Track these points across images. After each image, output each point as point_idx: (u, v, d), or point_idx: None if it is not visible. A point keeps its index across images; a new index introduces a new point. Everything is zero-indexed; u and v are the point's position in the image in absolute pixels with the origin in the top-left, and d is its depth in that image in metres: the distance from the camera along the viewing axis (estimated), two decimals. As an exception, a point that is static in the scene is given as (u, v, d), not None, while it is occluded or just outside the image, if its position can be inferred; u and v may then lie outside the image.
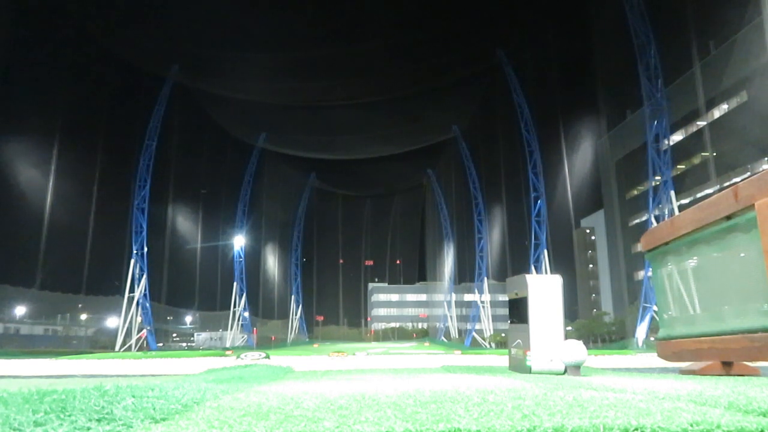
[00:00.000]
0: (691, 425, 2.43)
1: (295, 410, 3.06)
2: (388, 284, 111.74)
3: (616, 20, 42.28)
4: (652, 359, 18.61)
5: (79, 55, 48.82)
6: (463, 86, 61.43)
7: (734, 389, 4.34)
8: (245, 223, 72.33)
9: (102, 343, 59.54)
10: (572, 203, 56.52)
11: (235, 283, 69.08)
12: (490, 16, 53.06)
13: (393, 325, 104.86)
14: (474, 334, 68.01)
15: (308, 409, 3.10)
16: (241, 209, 71.79)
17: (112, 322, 59.67)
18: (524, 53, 55.12)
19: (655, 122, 41.85)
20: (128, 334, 53.48)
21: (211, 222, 70.82)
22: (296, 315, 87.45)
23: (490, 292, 67.83)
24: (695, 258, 8.14)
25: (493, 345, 62.41)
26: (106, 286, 58.45)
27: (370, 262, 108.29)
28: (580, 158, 56.41)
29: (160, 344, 62.20)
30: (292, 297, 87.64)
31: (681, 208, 39.69)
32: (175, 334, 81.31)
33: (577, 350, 7.51)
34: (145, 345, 54.60)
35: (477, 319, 68.48)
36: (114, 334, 55.34)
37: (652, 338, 40.25)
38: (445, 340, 76.99)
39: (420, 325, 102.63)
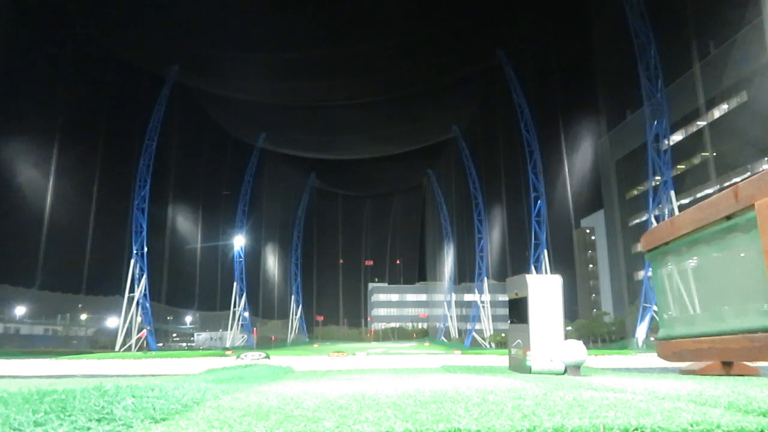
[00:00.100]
0: (691, 425, 2.43)
1: (295, 410, 3.06)
2: (388, 284, 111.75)
3: (616, 20, 42.29)
4: (652, 359, 18.61)
5: (79, 55, 48.84)
6: (463, 86, 61.43)
7: (734, 389, 4.34)
8: (245, 223, 72.35)
9: (102, 343, 59.55)
10: (572, 203, 56.59)
11: (235, 283, 69.09)
12: (490, 16, 53.09)
13: (393, 325, 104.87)
14: (474, 334, 68.01)
15: (308, 409, 3.10)
16: (241, 209, 71.80)
17: (112, 322, 59.69)
18: (524, 53, 55.14)
19: (655, 122, 41.85)
20: (128, 334, 53.49)
21: (211, 222, 70.89)
22: (296, 315, 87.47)
23: (490, 292, 67.83)
24: (695, 258, 8.14)
25: (493, 345, 62.41)
26: (106, 286, 58.52)
27: (370, 262, 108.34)
28: (580, 158, 56.43)
29: (160, 344, 62.21)
30: (292, 297, 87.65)
31: (681, 208, 39.69)
32: (175, 334, 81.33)
33: (577, 350, 7.52)
34: (145, 345, 54.59)
35: (477, 319, 68.48)
36: (114, 334, 55.35)
37: (652, 338, 40.25)
38: (445, 340, 76.99)
39: (420, 325, 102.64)
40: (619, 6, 41.75)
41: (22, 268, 50.48)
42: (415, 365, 13.27)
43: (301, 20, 53.08)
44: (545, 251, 53.98)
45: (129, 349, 52.40)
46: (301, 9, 52.25)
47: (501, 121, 61.19)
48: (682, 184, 47.90)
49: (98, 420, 2.60)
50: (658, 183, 42.76)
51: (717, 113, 47.75)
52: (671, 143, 44.25)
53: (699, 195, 46.68)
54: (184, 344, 78.34)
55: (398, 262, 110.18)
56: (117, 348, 52.12)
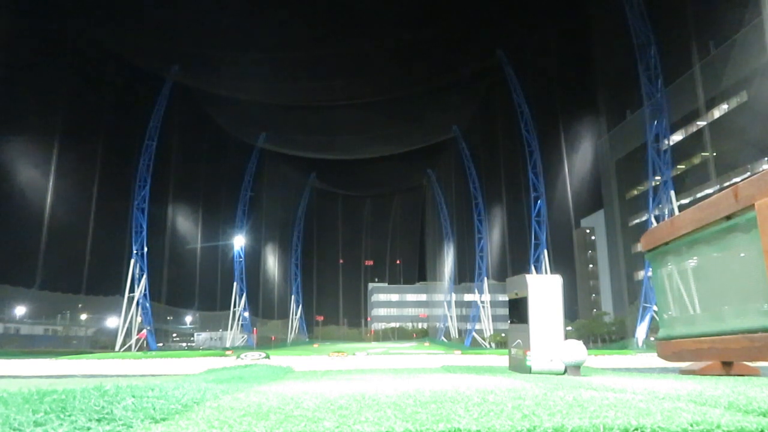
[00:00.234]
0: (691, 425, 2.43)
1: (295, 410, 3.06)
2: (388, 284, 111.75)
3: (616, 20, 42.28)
4: (652, 359, 18.61)
5: (79, 55, 48.84)
6: (463, 86, 61.46)
7: (734, 389, 4.34)
8: (245, 223, 72.35)
9: (102, 343, 59.55)
10: (572, 203, 56.58)
11: (235, 283, 69.08)
12: (490, 16, 53.07)
13: (393, 325, 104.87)
14: (474, 334, 68.01)
15: (308, 409, 3.09)
16: (241, 209, 71.80)
17: (112, 322, 59.69)
18: (524, 53, 55.14)
19: (655, 122, 41.85)
20: (128, 334, 53.49)
21: (211, 222, 70.88)
22: (296, 315, 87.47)
23: (490, 292, 67.83)
24: (695, 258, 8.14)
25: (493, 345, 62.41)
26: (106, 286, 58.51)
27: (370, 262, 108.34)
28: (580, 158, 56.44)
29: (160, 344, 62.21)
30: (292, 297, 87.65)
31: (681, 208, 39.69)
32: (175, 334, 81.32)
33: (577, 350, 7.51)
34: (145, 345, 54.59)
35: (477, 319, 68.48)
36: (114, 334, 55.35)
37: (652, 338, 40.24)
38: (445, 340, 76.99)
39: (420, 325, 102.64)
40: (619, 6, 41.74)
41: (22, 268, 50.51)
42: (415, 365, 13.27)
43: (301, 20, 53.14)
44: (545, 251, 53.97)
45: (129, 349, 52.39)
46: (301, 9, 52.27)
47: (501, 121, 61.20)
48: (682, 184, 47.90)
49: (98, 420, 2.60)
50: (658, 183, 42.76)
51: (717, 113, 47.76)
52: (671, 143, 44.25)
53: (699, 195, 46.69)
54: (184, 344, 78.33)
55: (398, 262, 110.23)
56: (117, 348, 52.12)
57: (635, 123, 52.30)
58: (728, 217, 7.09)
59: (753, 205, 6.48)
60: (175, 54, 53.71)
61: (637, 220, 59.31)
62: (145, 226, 54.69)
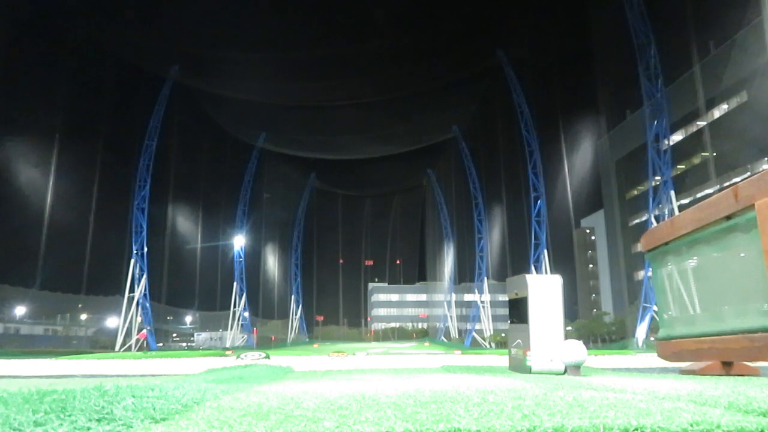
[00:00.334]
0: (691, 425, 2.43)
1: (295, 410, 3.06)
2: (388, 284, 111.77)
3: (616, 20, 42.27)
4: (652, 359, 18.60)
5: (79, 55, 48.82)
6: (463, 86, 61.42)
7: (734, 389, 4.34)
8: (245, 223, 72.35)
9: (102, 343, 59.52)
10: (572, 203, 56.55)
11: (235, 283, 69.08)
12: (490, 16, 53.04)
13: (393, 325, 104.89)
14: (474, 334, 68.02)
15: (308, 409, 3.10)
16: (241, 209, 71.80)
17: (112, 322, 59.67)
18: (524, 53, 55.12)
19: (655, 122, 41.84)
20: (128, 334, 53.49)
21: (211, 222, 70.86)
22: (296, 315, 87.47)
23: (490, 292, 67.83)
24: (695, 258, 8.14)
25: (493, 345, 62.41)
26: (106, 286, 58.48)
27: (370, 262, 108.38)
28: (580, 158, 56.41)
29: (160, 344, 62.20)
30: (292, 297, 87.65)
31: (681, 208, 39.69)
32: (175, 334, 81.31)
33: (577, 350, 7.51)
34: (145, 345, 54.59)
35: (477, 319, 68.48)
36: (114, 334, 55.34)
37: (652, 338, 40.24)
38: (445, 340, 77.00)
39: (420, 325, 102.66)
40: (619, 6, 41.74)
41: (22, 268, 50.43)
42: (415, 365, 13.27)
43: (301, 20, 53.10)
44: (545, 251, 53.97)
45: (129, 349, 52.39)
46: (301, 9, 52.25)
47: (501, 121, 61.19)
48: (682, 184, 47.89)
49: (98, 420, 2.60)
50: (658, 183, 42.75)
51: (717, 113, 47.75)
52: (671, 143, 44.24)
53: (699, 195, 46.68)
54: (184, 344, 78.32)
55: (398, 262, 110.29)
56: (117, 348, 52.12)
57: (635, 123, 52.29)
58: (728, 217, 7.09)
59: (753, 205, 6.48)
60: (175, 54, 53.72)
61: (637, 220, 59.30)
62: (145, 226, 54.69)
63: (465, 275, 75.63)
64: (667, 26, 42.74)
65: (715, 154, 48.13)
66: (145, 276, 54.73)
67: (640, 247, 14.34)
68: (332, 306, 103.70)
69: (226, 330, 69.08)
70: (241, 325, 69.77)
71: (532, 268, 53.45)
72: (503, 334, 60.23)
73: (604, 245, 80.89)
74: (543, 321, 8.26)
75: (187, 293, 69.67)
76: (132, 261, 53.96)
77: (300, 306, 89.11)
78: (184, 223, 66.61)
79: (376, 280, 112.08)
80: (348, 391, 4.37)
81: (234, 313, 68.19)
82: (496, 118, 62.17)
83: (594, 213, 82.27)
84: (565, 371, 7.82)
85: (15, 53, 44.00)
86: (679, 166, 50.35)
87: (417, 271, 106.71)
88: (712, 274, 7.79)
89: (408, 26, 53.55)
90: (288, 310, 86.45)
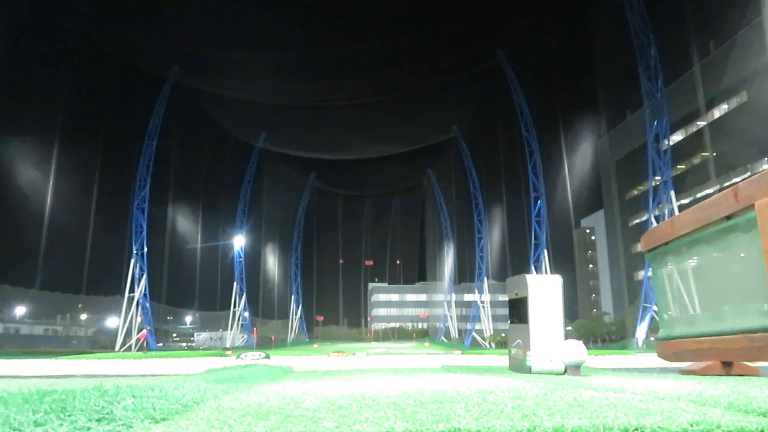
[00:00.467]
0: (691, 425, 2.43)
1: (295, 410, 3.06)
2: (388, 284, 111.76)
3: (616, 20, 42.28)
4: (652, 359, 18.60)
5: (79, 55, 48.83)
6: (463, 86, 61.42)
7: (734, 389, 4.34)
8: (245, 223, 72.35)
9: (102, 343, 59.52)
10: (572, 203, 56.57)
11: (235, 283, 69.08)
12: (490, 16, 53.06)
13: (393, 325, 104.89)
14: (474, 334, 68.02)
15: (308, 409, 3.10)
16: (241, 209, 71.80)
17: (112, 322, 59.68)
18: (524, 53, 55.13)
19: (655, 122, 41.84)
20: (128, 334, 53.49)
21: (211, 222, 70.87)
22: (296, 315, 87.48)
23: (490, 292, 67.83)
24: (695, 258, 8.14)
25: (493, 345, 62.41)
26: (106, 286, 58.50)
27: (370, 262, 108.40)
28: (580, 158, 56.42)
29: (160, 344, 62.20)
30: (292, 297, 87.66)
31: (681, 208, 39.70)
32: (175, 334, 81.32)
33: (577, 350, 7.51)
34: (145, 345, 54.59)
35: (477, 319, 68.48)
36: (114, 334, 55.35)
37: (652, 338, 40.24)
38: (445, 340, 77.00)
39: (420, 325, 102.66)
40: (619, 6, 41.75)
41: (22, 268, 50.47)
42: (415, 365, 13.26)
43: (301, 20, 53.12)
44: (545, 251, 53.98)
45: (129, 349, 52.39)
46: (302, 9, 52.26)
47: (501, 121, 61.21)
48: (682, 184, 47.91)
49: (98, 420, 2.60)
50: (658, 183, 42.76)
51: (717, 113, 47.75)
52: (671, 143, 44.25)
53: (699, 195, 46.68)
54: (184, 344, 78.33)
55: (398, 262, 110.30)
56: (117, 348, 52.12)
57: (635, 123, 52.30)
58: (728, 217, 7.09)
59: (753, 205, 6.48)
60: (175, 54, 53.72)
61: (637, 220, 59.31)
62: (145, 226, 54.69)
63: (465, 275, 75.67)
64: (667, 26, 42.75)
65: (715, 154, 48.13)
66: (145, 276, 54.73)
67: (640, 247, 14.34)
68: (332, 306, 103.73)
69: (226, 330, 69.08)
70: (241, 325, 69.77)
71: (532, 268, 53.45)
72: (503, 334, 60.24)
73: (604, 245, 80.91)
74: (543, 321, 8.26)
75: (187, 293, 69.72)
76: (132, 261, 53.97)
77: (300, 306, 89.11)
78: (184, 223, 66.62)
79: (376, 280, 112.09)
80: (348, 391, 4.37)
81: (234, 313, 68.19)
82: (496, 118, 62.19)
83: (594, 213, 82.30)
84: (565, 371, 7.82)
85: (15, 53, 44.01)
86: (679, 166, 50.37)
87: (417, 271, 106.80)
88: (712, 274, 7.79)
89: (408, 26, 53.57)
90: (288, 310, 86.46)
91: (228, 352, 38.49)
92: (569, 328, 61.11)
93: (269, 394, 4.22)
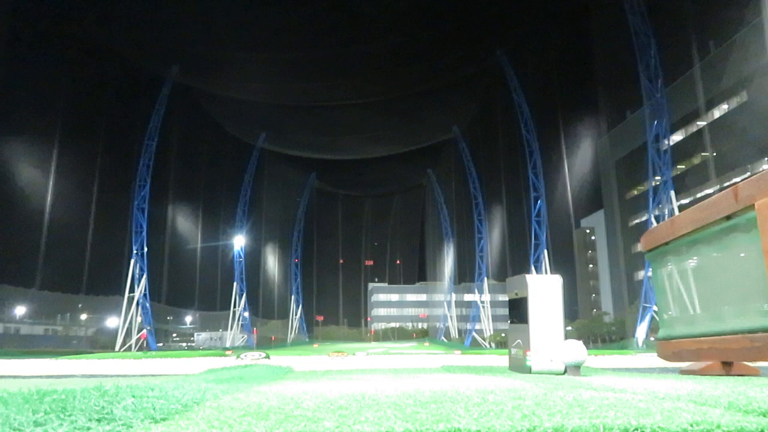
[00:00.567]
0: (691, 425, 2.43)
1: (295, 410, 3.06)
2: (388, 284, 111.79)
3: (616, 20, 42.27)
4: (652, 359, 18.60)
5: (79, 54, 48.81)
6: (463, 86, 61.43)
7: (734, 389, 4.34)
8: (245, 223, 72.36)
9: (102, 343, 59.51)
10: (572, 203, 56.55)
11: (235, 283, 69.08)
12: (490, 16, 53.04)
13: (393, 325, 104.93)
14: (474, 334, 68.02)
15: (308, 409, 3.09)
16: (241, 209, 71.80)
17: (112, 322, 59.67)
18: (524, 53, 55.12)
19: (655, 122, 41.84)
20: (128, 334, 53.50)
21: (211, 222, 70.87)
22: (296, 315, 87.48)
23: (490, 292, 67.84)
24: (695, 258, 8.14)
25: (493, 345, 62.42)
26: (106, 286, 58.45)
27: (370, 262, 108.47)
28: (580, 158, 56.42)
29: (160, 344, 62.20)
30: (292, 297, 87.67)
31: (681, 208, 39.68)
32: (175, 334, 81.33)
33: (577, 350, 7.51)
34: (145, 345, 54.59)
35: (477, 319, 68.48)
36: (114, 334, 55.35)
37: (652, 338, 40.23)
38: (445, 340, 77.01)
39: (420, 325, 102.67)
40: (619, 6, 41.73)
41: (22, 268, 50.41)
42: (415, 365, 13.26)
43: (301, 20, 53.08)
44: (545, 251, 53.98)
45: (129, 349, 52.40)
46: (302, 9, 52.24)
47: (501, 121, 61.21)
48: (682, 184, 47.86)
49: (98, 420, 2.60)
50: (658, 183, 42.75)
51: (717, 113, 47.73)
52: (671, 143, 44.24)
53: (699, 195, 46.67)
54: (184, 344, 78.33)
55: (398, 262, 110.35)
56: (117, 348, 52.13)
57: (635, 123, 52.27)
58: (728, 217, 7.09)
59: (753, 205, 6.48)
60: (175, 54, 53.71)
61: (637, 220, 59.28)
62: (145, 226, 54.70)
63: (465, 275, 75.66)
64: (667, 26, 42.73)
65: (715, 154, 48.11)
66: (145, 276, 54.74)
67: (640, 247, 14.34)
68: (332, 306, 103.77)
69: (226, 330, 69.09)
70: (241, 325, 69.78)
71: (532, 268, 53.46)
72: (503, 334, 60.24)
73: (604, 245, 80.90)
74: (543, 321, 8.26)
75: (187, 293, 69.70)
76: (132, 261, 53.98)
77: (300, 306, 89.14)
78: (184, 223, 66.63)
79: (376, 280, 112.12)
80: (348, 391, 4.37)
81: (234, 313, 68.20)
82: (496, 118, 62.19)
83: (594, 213, 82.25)
84: (565, 371, 7.82)
85: (15, 53, 43.98)
86: (679, 166, 50.32)
87: (417, 271, 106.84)
88: (712, 274, 7.79)
89: (408, 26, 53.52)
90: (288, 310, 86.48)
91: (228, 352, 38.50)
92: (569, 328, 61.11)
93: (269, 394, 4.22)
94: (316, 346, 68.60)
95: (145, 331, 54.92)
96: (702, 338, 7.88)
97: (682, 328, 8.55)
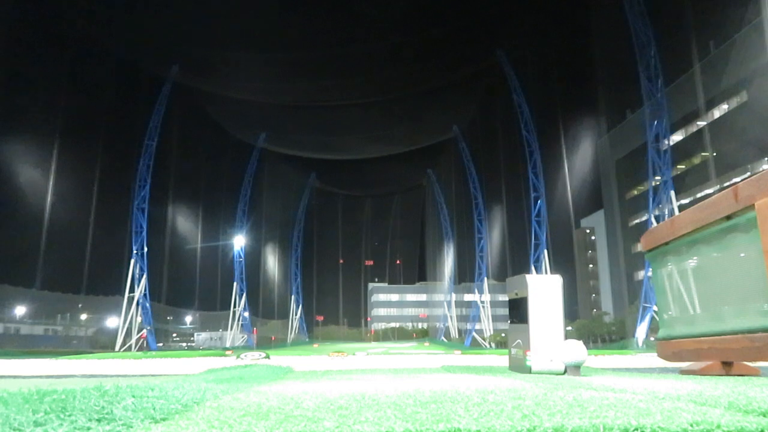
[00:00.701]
0: (691, 425, 2.43)
1: (295, 410, 3.06)
2: (388, 284, 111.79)
3: (616, 20, 42.27)
4: (652, 359, 18.59)
5: (79, 55, 48.83)
6: (463, 86, 61.41)
7: (734, 389, 4.34)
8: (245, 223, 72.37)
9: (102, 343, 59.52)
10: (572, 203, 56.56)
11: (235, 283, 69.09)
12: (490, 16, 53.03)
13: (393, 325, 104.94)
14: (474, 334, 68.02)
15: (308, 409, 3.09)
16: (241, 209, 71.81)
17: (112, 322, 59.67)
18: (524, 53, 55.11)
19: (655, 122, 41.84)
20: (128, 334, 53.50)
21: (211, 222, 70.89)
22: (296, 315, 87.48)
23: (490, 292, 67.84)
24: (695, 258, 8.14)
25: (493, 345, 62.42)
26: (106, 286, 58.48)
27: (370, 262, 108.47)
28: (580, 158, 56.42)
29: (160, 344, 62.20)
30: (292, 297, 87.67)
31: (681, 208, 39.68)
32: (175, 334, 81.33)
33: (577, 350, 7.51)
34: (145, 345, 54.60)
35: (477, 319, 68.48)
36: (114, 334, 55.36)
37: (652, 338, 40.23)
38: (445, 340, 77.01)
39: (420, 325, 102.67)
40: (619, 6, 41.73)
41: (22, 268, 50.43)
42: (415, 365, 13.26)
43: (301, 20, 53.08)
44: (545, 251, 53.97)
45: (129, 349, 52.40)
46: (301, 9, 52.25)
47: (501, 121, 61.20)
48: (682, 184, 47.87)
49: (98, 420, 2.60)
50: (658, 183, 42.75)
51: (717, 113, 47.73)
52: (671, 143, 44.23)
53: (699, 195, 46.66)
54: (184, 344, 78.34)
55: (398, 262, 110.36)
56: (117, 348, 52.13)
57: (635, 123, 52.27)
58: (728, 217, 7.09)
59: (753, 205, 6.48)
60: (175, 54, 53.71)
61: (637, 220, 59.29)
62: (145, 226, 54.69)
63: (465, 275, 75.68)
64: (667, 26, 42.72)
65: (715, 154, 48.11)
66: (145, 276, 54.74)
67: (640, 247, 14.35)
68: (332, 306, 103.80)
69: (226, 330, 69.10)
70: (241, 325, 69.78)
71: (532, 268, 53.45)
72: (503, 334, 60.24)
73: (604, 245, 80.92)
74: (543, 321, 8.26)
75: (187, 293, 69.74)
76: (132, 261, 53.98)
77: (300, 306, 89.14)
78: (184, 223, 66.64)
79: (376, 280, 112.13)
80: (348, 391, 4.37)
81: (234, 313, 68.20)
82: (496, 118, 62.19)
83: (594, 213, 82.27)
84: (565, 371, 7.82)
85: (15, 53, 43.98)
86: (679, 166, 50.32)
87: (417, 271, 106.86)
88: (712, 274, 7.79)
89: (408, 26, 53.52)
90: (288, 310, 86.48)
91: (228, 352, 38.48)
92: (569, 328, 61.11)
93: (269, 394, 4.22)
94: (316, 346, 68.60)
95: (145, 331, 54.93)
96: (702, 338, 7.88)
97: (682, 328, 8.55)
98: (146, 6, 48.96)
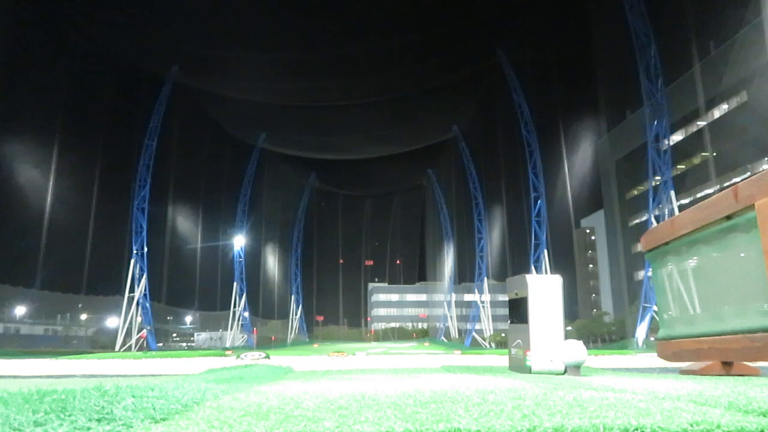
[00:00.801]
0: (691, 425, 2.43)
1: (295, 410, 3.06)
2: (388, 284, 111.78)
3: (616, 20, 42.27)
4: (652, 359, 18.59)
5: (79, 55, 48.82)
6: (463, 86, 61.40)
7: (734, 389, 4.34)
8: (245, 223, 72.37)
9: (102, 343, 59.52)
10: (572, 203, 56.53)
11: (235, 283, 69.09)
12: (490, 16, 53.02)
13: (393, 325, 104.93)
14: (474, 334, 68.02)
15: (308, 409, 3.09)
16: (241, 209, 71.81)
17: (112, 322, 59.68)
18: (524, 53, 55.11)
19: (655, 122, 41.83)
20: (128, 334, 53.50)
21: (211, 222, 70.88)
22: (296, 315, 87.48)
23: (490, 292, 67.83)
24: (695, 258, 8.14)
25: (493, 345, 62.42)
26: (106, 286, 58.48)
27: (370, 262, 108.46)
28: (580, 158, 56.41)
29: (160, 344, 62.21)
30: (292, 297, 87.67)
31: (681, 208, 39.67)
32: (175, 334, 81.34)
33: (577, 350, 7.51)
34: (145, 345, 54.60)
35: (477, 319, 68.47)
36: (114, 334, 55.36)
37: (652, 338, 40.23)
38: (445, 340, 77.01)
39: (420, 325, 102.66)
40: (619, 6, 41.73)
41: (22, 268, 50.42)
42: (415, 365, 13.26)
43: (301, 20, 53.08)
44: (545, 251, 53.96)
45: (129, 349, 52.40)
46: (301, 9, 52.25)
47: (501, 121, 61.19)
48: (682, 184, 47.86)
49: (98, 420, 2.60)
50: (658, 183, 42.74)
51: (717, 113, 47.73)
52: (671, 143, 44.23)
53: (699, 195, 46.66)
54: (184, 344, 78.35)
55: (398, 262, 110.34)
56: (117, 348, 52.13)
57: (635, 123, 52.27)
58: (728, 217, 7.09)
59: (753, 205, 6.48)
60: (175, 54, 53.71)
61: (637, 220, 59.29)
62: (145, 226, 54.69)
63: (465, 275, 75.67)
64: (667, 26, 42.71)
65: (715, 154, 48.11)
66: (145, 276, 54.74)
67: (640, 247, 14.34)
68: (332, 306, 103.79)
69: (226, 330, 69.10)
70: (241, 325, 69.78)
71: (532, 268, 53.44)
72: (503, 334, 60.25)
73: (604, 245, 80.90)
74: (543, 321, 8.26)
75: (187, 293, 69.72)
76: (132, 261, 53.98)
77: (300, 306, 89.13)
78: (184, 223, 66.63)
79: (376, 280, 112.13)
80: (348, 391, 4.37)
81: (234, 313, 68.20)
82: (496, 118, 62.18)
83: (594, 213, 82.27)
84: (565, 371, 7.82)
85: (15, 53, 43.98)
86: (679, 166, 50.31)
87: (417, 271, 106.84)
88: (712, 274, 7.79)
89: (408, 26, 53.51)
90: (288, 310, 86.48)
91: (228, 352, 38.48)
92: (569, 328, 61.11)
93: (269, 394, 4.22)
94: (316, 346, 68.60)
95: (145, 331, 54.93)
96: (702, 338, 7.88)
97: (682, 328, 8.55)
98: (146, 6, 48.96)
